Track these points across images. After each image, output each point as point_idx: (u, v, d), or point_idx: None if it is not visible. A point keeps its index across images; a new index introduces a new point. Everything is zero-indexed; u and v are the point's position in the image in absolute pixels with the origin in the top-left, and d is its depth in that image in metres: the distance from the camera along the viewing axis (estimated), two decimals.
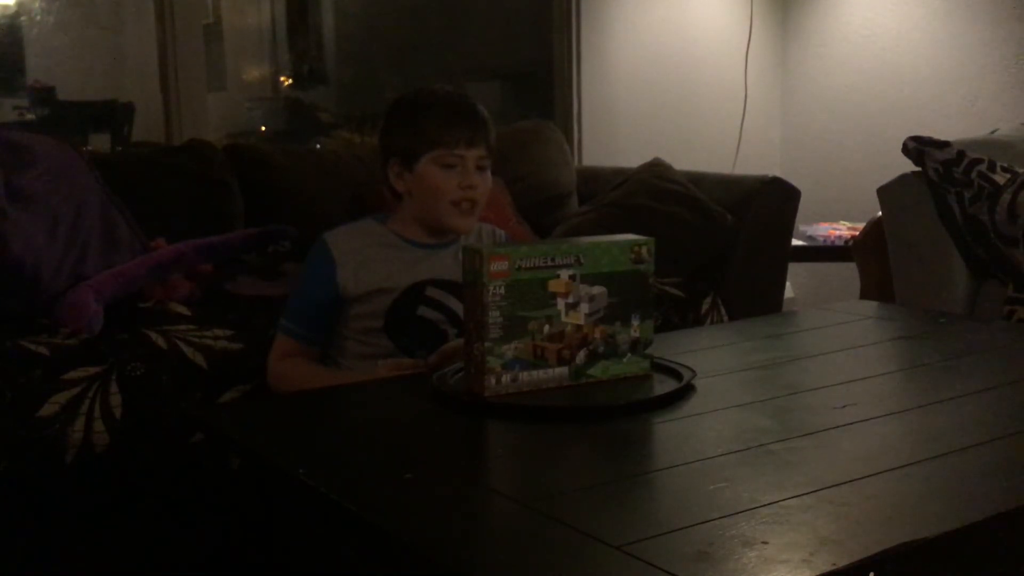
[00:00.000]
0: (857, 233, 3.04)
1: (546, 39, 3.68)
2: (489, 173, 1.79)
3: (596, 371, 1.42)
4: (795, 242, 3.09)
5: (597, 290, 1.40)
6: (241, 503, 1.74)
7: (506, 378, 1.36)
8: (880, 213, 2.77)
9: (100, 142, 3.56)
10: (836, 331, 1.84)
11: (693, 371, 1.44)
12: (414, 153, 1.74)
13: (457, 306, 1.74)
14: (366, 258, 1.76)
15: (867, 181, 2.95)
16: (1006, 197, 2.52)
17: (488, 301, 1.34)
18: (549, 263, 1.37)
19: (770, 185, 2.72)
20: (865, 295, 2.89)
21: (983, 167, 2.58)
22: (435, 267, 1.78)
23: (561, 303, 1.38)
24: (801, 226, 3.21)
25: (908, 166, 2.70)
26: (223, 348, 1.85)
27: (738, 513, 0.96)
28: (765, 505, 0.98)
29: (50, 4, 3.45)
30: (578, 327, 1.40)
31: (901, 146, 2.69)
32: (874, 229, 2.83)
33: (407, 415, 1.38)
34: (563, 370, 1.40)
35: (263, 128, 4.67)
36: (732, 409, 1.34)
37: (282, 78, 5.05)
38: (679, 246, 2.53)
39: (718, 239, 2.63)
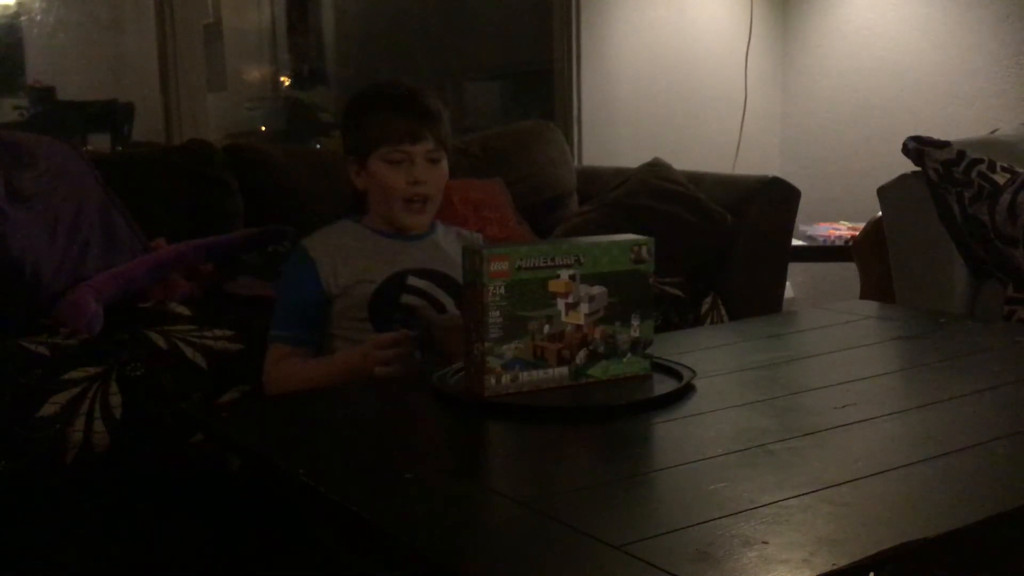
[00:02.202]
0: (857, 233, 3.04)
1: (546, 39, 3.68)
2: (444, 165, 1.80)
3: (596, 371, 1.42)
4: (795, 242, 3.09)
5: (597, 290, 1.40)
6: (241, 503, 1.74)
7: (506, 378, 1.36)
8: (880, 213, 2.77)
9: (100, 142, 3.56)
10: (836, 331, 1.84)
11: (693, 371, 1.44)
12: (364, 151, 1.77)
13: (439, 293, 1.75)
14: (344, 253, 1.77)
15: (867, 181, 2.95)
16: (1006, 197, 2.52)
17: (488, 301, 1.34)
18: (549, 263, 1.37)
19: (770, 185, 2.72)
20: (865, 295, 2.89)
21: (983, 167, 2.58)
22: (414, 257, 1.79)
23: (561, 303, 1.38)
24: (801, 226, 3.21)
25: (908, 166, 2.70)
26: (223, 348, 1.85)
27: (738, 513, 0.96)
28: (765, 505, 0.98)
29: (50, 4, 3.45)
30: (578, 327, 1.40)
31: (901, 146, 2.69)
32: (874, 229, 2.83)
33: (407, 415, 1.38)
34: (563, 370, 1.40)
35: (263, 128, 4.67)
36: (732, 409, 1.34)
37: (282, 78, 5.05)
38: (679, 246, 2.52)
39: (718, 239, 2.63)
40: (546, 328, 1.38)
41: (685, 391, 1.39)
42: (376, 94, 1.80)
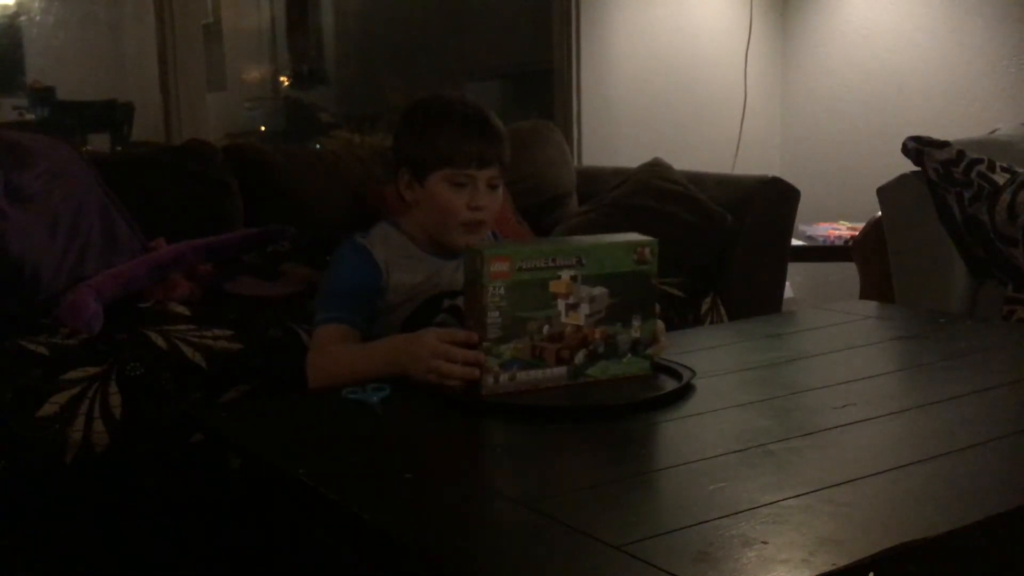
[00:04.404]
0: (857, 233, 3.04)
1: (546, 39, 3.68)
2: (500, 191, 1.73)
3: (595, 371, 1.42)
4: (795, 242, 3.09)
5: (598, 291, 1.40)
6: (241, 503, 1.74)
7: (504, 377, 1.36)
8: (880, 213, 2.77)
9: (100, 142, 3.56)
10: (836, 331, 1.84)
11: (693, 371, 1.44)
12: (424, 167, 1.68)
13: None
14: (395, 268, 1.72)
15: (867, 181, 2.95)
16: (1006, 197, 2.52)
17: (488, 302, 1.34)
18: (550, 264, 1.37)
19: (770, 185, 2.72)
20: (865, 295, 2.89)
21: (983, 167, 2.58)
22: (452, 278, 1.74)
23: (561, 304, 1.38)
24: (801, 226, 3.21)
25: (908, 166, 2.70)
26: (223, 348, 1.85)
27: (738, 513, 0.96)
28: (765, 505, 0.98)
29: (50, 4, 3.46)
30: (577, 328, 1.40)
31: (901, 146, 2.69)
32: (874, 229, 2.83)
33: (407, 415, 1.38)
34: (561, 370, 1.40)
35: (263, 128, 4.68)
36: (732, 409, 1.34)
37: (282, 78, 5.05)
38: (679, 246, 2.52)
39: (718, 239, 2.63)
40: (545, 328, 1.38)
41: (685, 391, 1.39)
42: (447, 110, 1.70)
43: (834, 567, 0.84)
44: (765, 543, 0.89)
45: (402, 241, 1.75)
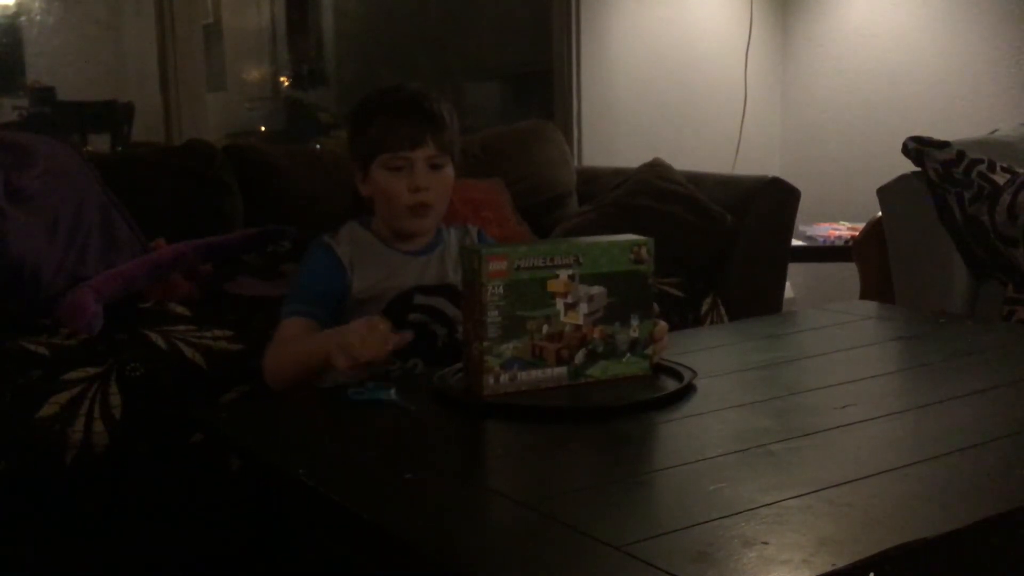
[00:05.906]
0: (857, 233, 3.04)
1: (546, 39, 3.68)
2: (448, 171, 1.74)
3: (595, 371, 1.42)
4: (795, 242, 3.09)
5: (596, 290, 1.40)
6: (241, 503, 1.74)
7: (504, 377, 1.36)
8: (880, 213, 2.77)
9: (100, 142, 3.56)
10: (836, 331, 1.84)
11: (693, 371, 1.44)
12: (367, 158, 1.72)
13: (444, 306, 1.72)
14: (360, 264, 1.73)
15: (867, 181, 2.95)
16: (1006, 197, 2.52)
17: (487, 301, 1.34)
18: (548, 263, 1.37)
19: (770, 185, 2.73)
20: (865, 295, 2.89)
21: (983, 167, 2.58)
22: (423, 274, 1.75)
23: (560, 303, 1.38)
24: (801, 226, 3.21)
25: (908, 166, 2.70)
26: (223, 348, 1.85)
27: (738, 513, 0.96)
28: (765, 505, 0.98)
29: (50, 4, 3.46)
30: (577, 327, 1.40)
31: (901, 146, 2.69)
32: (874, 229, 2.83)
33: (407, 415, 1.38)
34: (561, 370, 1.40)
35: (263, 128, 4.68)
36: (732, 409, 1.34)
37: (282, 78, 5.06)
38: (679, 246, 2.52)
39: (718, 239, 2.63)
40: (545, 328, 1.38)
41: (686, 391, 1.39)
42: (378, 99, 1.75)
43: (834, 567, 0.84)
44: (765, 543, 0.89)
45: (367, 238, 1.76)
